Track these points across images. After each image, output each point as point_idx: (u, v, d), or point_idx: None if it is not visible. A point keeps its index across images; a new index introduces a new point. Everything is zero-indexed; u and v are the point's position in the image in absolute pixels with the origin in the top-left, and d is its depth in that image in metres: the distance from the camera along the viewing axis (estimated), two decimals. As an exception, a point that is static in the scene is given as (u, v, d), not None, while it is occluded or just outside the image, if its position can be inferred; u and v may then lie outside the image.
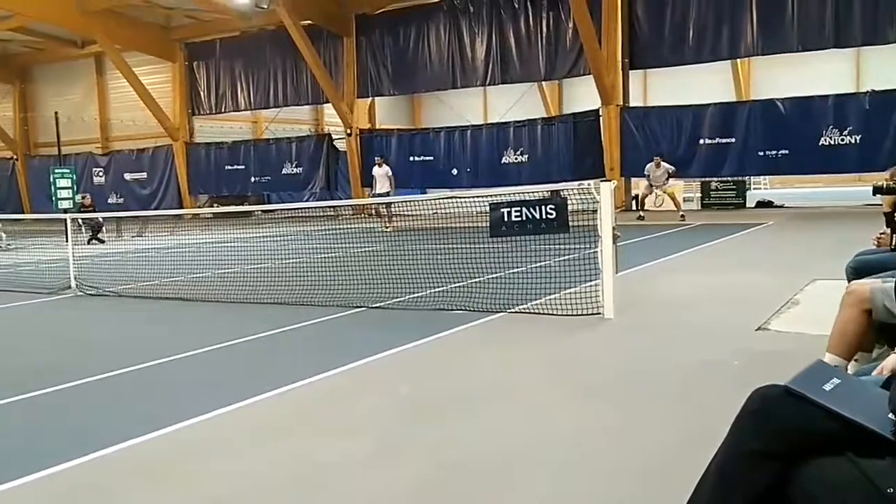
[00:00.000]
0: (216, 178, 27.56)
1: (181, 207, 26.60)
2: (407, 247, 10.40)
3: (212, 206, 26.78)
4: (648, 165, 17.93)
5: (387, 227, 16.84)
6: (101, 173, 29.60)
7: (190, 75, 28.02)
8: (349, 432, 3.95)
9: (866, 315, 3.47)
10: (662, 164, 17.69)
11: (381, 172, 18.88)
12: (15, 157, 31.48)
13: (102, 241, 18.19)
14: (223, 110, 28.13)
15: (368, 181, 25.28)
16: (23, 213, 28.28)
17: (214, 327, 7.03)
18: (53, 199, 20.33)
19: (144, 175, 28.98)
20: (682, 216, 17.26)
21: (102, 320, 8.17)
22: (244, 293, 8.63)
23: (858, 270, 4.40)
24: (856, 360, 3.59)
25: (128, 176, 29.26)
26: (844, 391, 1.87)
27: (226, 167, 27.54)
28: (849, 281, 4.38)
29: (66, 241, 10.86)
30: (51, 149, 27.24)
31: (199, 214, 24.74)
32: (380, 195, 18.19)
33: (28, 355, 6.39)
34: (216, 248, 14.63)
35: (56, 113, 22.15)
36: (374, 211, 18.90)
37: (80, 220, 16.91)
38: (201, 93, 28.10)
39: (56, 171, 20.94)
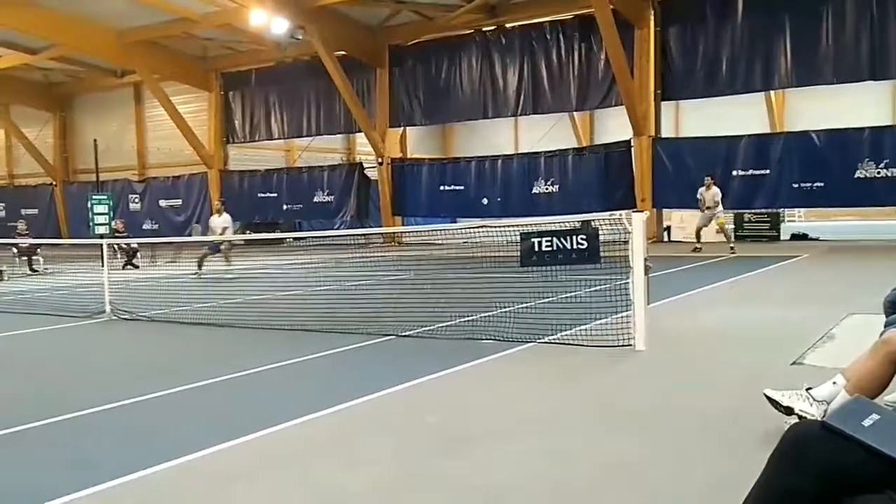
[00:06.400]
0: (249, 205, 27.91)
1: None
2: (437, 275, 10.40)
3: (244, 234, 27.07)
4: (700, 189, 17.46)
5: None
6: (137, 199, 30.15)
7: (225, 104, 28.51)
8: (376, 461, 3.92)
9: (894, 366, 3.46)
10: (713, 186, 17.17)
11: (220, 221, 16.12)
12: (54, 183, 32.19)
13: (136, 267, 18.44)
14: (257, 139, 28.55)
15: (399, 210, 25.56)
16: (61, 238, 28.84)
17: (243, 353, 7.06)
18: (91, 224, 20.70)
19: (179, 202, 29.45)
20: (732, 248, 16.76)
21: (133, 344, 8.25)
22: (275, 320, 8.67)
23: (895, 304, 4.32)
24: (833, 383, 3.79)
25: (163, 202, 29.76)
26: (885, 427, 1.82)
27: (258, 195, 27.89)
28: (886, 315, 4.30)
29: (102, 266, 11.02)
30: (89, 175, 27.81)
31: (231, 241, 25.01)
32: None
33: (54, 378, 6.46)
34: (247, 275, 14.77)
35: (95, 140, 22.61)
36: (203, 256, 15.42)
37: (115, 246, 17.19)
38: (236, 122, 28.56)
39: (94, 197, 21.34)
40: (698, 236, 17.77)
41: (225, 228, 16.08)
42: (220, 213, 16.39)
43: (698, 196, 17.37)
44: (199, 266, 15.06)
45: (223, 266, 15.34)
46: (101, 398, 5.29)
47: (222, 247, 15.62)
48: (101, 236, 18.29)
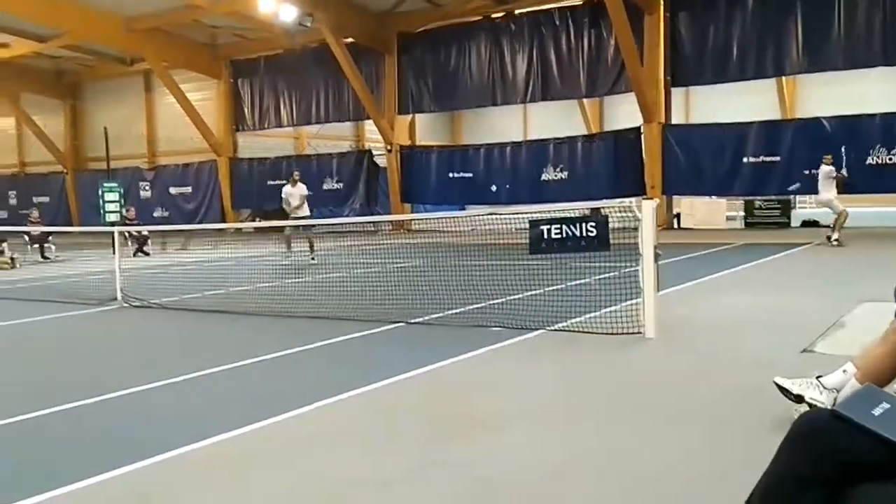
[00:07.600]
0: (258, 192, 27.88)
1: (224, 222, 26.98)
2: (446, 263, 10.40)
3: (253, 221, 27.11)
4: (828, 170, 14.85)
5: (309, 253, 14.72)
6: (147, 187, 30.22)
7: (234, 92, 28.50)
8: (383, 450, 3.93)
9: None
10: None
11: (296, 192, 15.78)
12: (65, 171, 32.29)
13: (147, 254, 18.53)
14: (266, 126, 28.53)
15: (408, 197, 25.52)
16: (72, 225, 28.96)
17: (252, 341, 7.09)
18: (102, 212, 20.79)
19: (189, 189, 29.50)
20: (831, 238, 14.62)
21: (144, 332, 8.29)
22: (284, 307, 8.70)
23: (908, 293, 4.29)
24: (844, 371, 3.76)
25: (173, 190, 29.82)
26: (895, 416, 1.82)
27: (268, 182, 27.83)
28: (898, 303, 4.29)
29: (113, 254, 11.07)
30: (99, 163, 27.90)
31: (241, 229, 25.11)
32: (300, 218, 15.37)
33: (64, 366, 6.51)
34: (257, 263, 14.81)
35: (105, 128, 22.68)
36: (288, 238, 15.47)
37: (126, 234, 17.28)
38: (245, 109, 28.55)
39: (104, 185, 21.44)
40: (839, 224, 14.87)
41: (304, 197, 15.64)
42: (296, 183, 15.90)
43: (832, 176, 14.81)
44: (288, 247, 15.15)
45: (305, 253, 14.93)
46: (110, 386, 5.33)
47: (287, 232, 15.39)
48: (112, 224, 18.37)
